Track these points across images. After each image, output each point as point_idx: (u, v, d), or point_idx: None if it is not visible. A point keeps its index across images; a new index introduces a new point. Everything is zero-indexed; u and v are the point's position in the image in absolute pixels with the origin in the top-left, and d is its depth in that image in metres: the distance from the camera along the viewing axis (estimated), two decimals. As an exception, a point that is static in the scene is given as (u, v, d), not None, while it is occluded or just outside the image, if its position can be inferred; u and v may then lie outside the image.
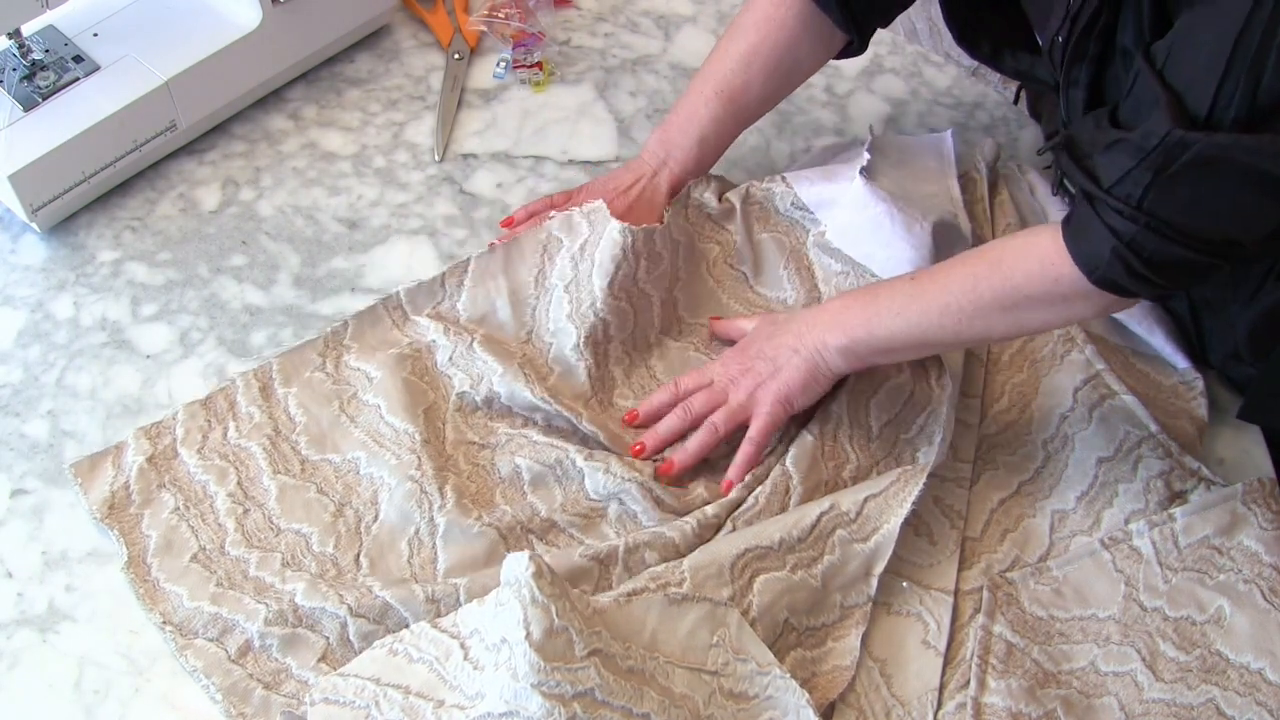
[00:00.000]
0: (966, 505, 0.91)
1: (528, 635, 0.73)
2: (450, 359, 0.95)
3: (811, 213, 1.04)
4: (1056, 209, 1.08)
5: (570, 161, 1.14)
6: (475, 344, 0.95)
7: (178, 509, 0.88)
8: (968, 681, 0.82)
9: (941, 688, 0.83)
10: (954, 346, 0.94)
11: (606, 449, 0.93)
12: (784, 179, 1.06)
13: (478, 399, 0.94)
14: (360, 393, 0.94)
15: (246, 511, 0.89)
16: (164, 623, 0.83)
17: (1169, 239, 0.76)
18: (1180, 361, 0.99)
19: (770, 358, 0.93)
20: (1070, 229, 0.81)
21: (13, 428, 0.94)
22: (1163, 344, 0.99)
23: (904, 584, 0.87)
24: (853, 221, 1.02)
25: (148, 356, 0.99)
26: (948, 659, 0.84)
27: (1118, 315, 1.01)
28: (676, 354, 1.00)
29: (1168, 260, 0.77)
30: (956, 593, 0.87)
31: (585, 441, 0.93)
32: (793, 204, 1.05)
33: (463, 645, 0.79)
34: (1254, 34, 0.70)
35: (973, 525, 0.91)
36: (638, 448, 0.93)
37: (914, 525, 0.89)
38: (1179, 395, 0.98)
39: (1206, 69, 0.72)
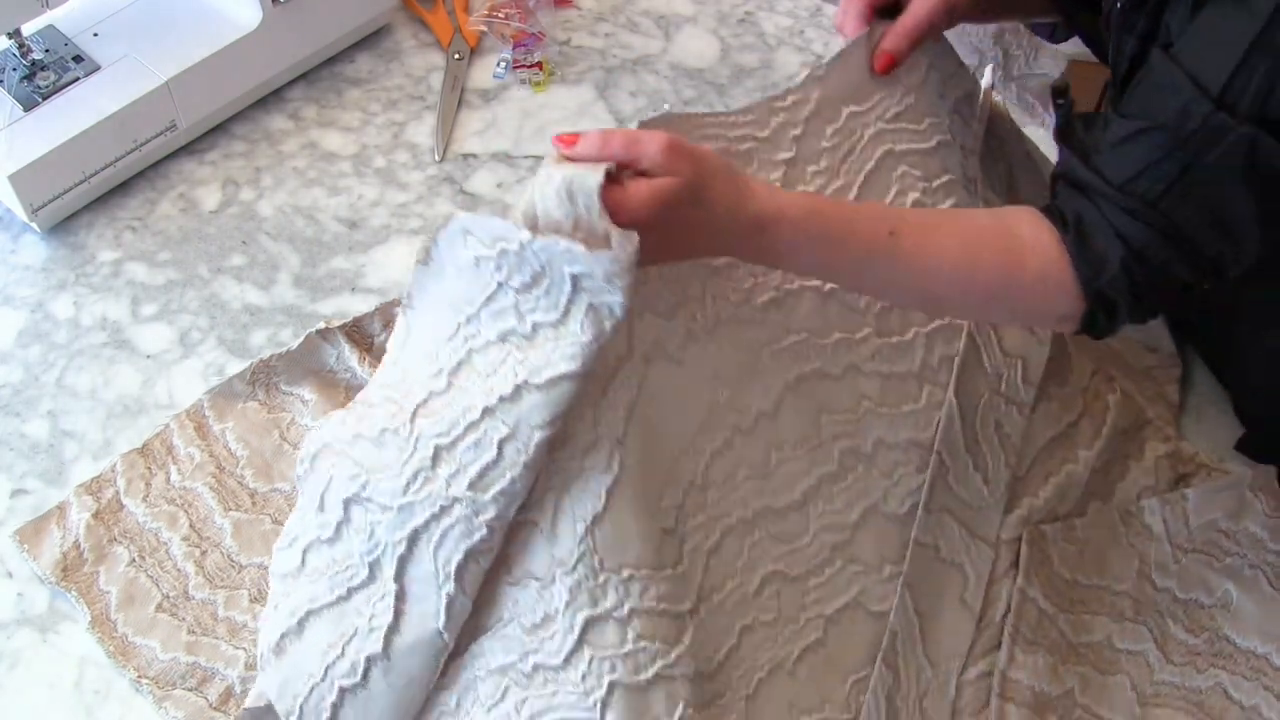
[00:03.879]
0: (1021, 436, 0.88)
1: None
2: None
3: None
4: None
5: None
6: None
7: (134, 560, 0.86)
8: (996, 645, 0.82)
9: (969, 648, 0.82)
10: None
11: None
12: None
13: None
14: (298, 418, 0.93)
15: (204, 553, 0.87)
16: (139, 677, 0.81)
17: (1176, 250, 0.70)
18: (1167, 345, 0.99)
19: None
20: (1071, 233, 0.72)
21: (13, 428, 0.93)
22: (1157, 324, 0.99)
23: (957, 530, 0.85)
24: None
25: (148, 356, 0.98)
26: (980, 618, 0.83)
27: None
28: None
29: (1165, 279, 0.71)
30: (997, 541, 0.86)
31: None
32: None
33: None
34: (1276, 33, 0.64)
35: (1022, 460, 0.89)
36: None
37: (973, 458, 0.86)
38: (1153, 379, 0.98)
39: (1222, 59, 0.67)
